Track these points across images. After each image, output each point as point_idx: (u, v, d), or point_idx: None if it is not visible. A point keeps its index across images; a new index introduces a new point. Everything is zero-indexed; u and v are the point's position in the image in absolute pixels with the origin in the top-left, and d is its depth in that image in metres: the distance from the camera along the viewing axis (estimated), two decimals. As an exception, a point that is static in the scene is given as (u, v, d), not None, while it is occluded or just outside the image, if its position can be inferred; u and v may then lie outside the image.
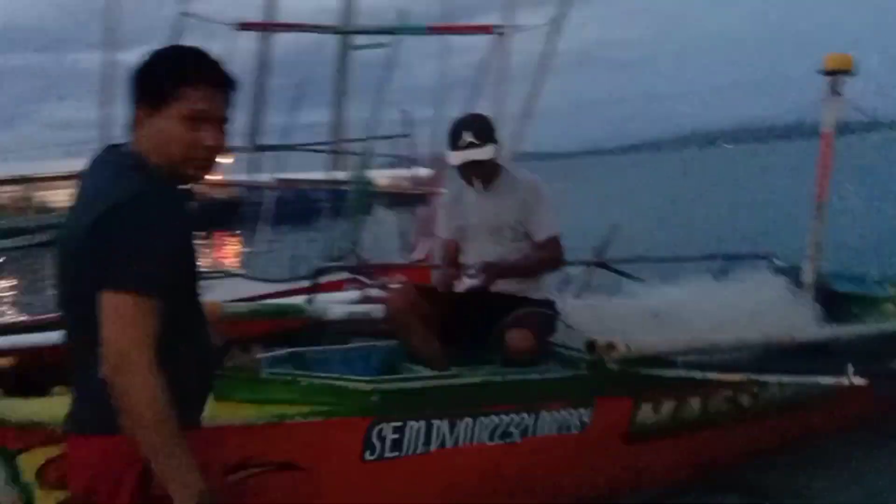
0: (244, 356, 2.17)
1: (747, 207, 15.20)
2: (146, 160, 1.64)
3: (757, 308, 3.22)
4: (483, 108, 8.44)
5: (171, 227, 1.57)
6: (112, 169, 1.64)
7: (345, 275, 7.23)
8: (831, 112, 4.08)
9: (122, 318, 1.46)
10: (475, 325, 2.93)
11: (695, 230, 10.87)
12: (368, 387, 2.27)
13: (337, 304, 4.48)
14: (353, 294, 5.59)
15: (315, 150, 9.71)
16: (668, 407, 2.90)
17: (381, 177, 9.32)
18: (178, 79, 1.64)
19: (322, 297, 5.63)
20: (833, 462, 3.60)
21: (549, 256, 3.13)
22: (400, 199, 9.32)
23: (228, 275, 7.09)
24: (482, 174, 3.04)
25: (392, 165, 10.53)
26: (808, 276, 4.06)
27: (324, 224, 9.47)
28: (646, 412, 2.86)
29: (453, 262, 3.20)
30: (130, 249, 1.49)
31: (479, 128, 3.01)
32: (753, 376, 2.83)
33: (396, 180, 9.87)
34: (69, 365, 1.63)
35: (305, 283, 7.07)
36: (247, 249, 9.11)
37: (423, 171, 9.99)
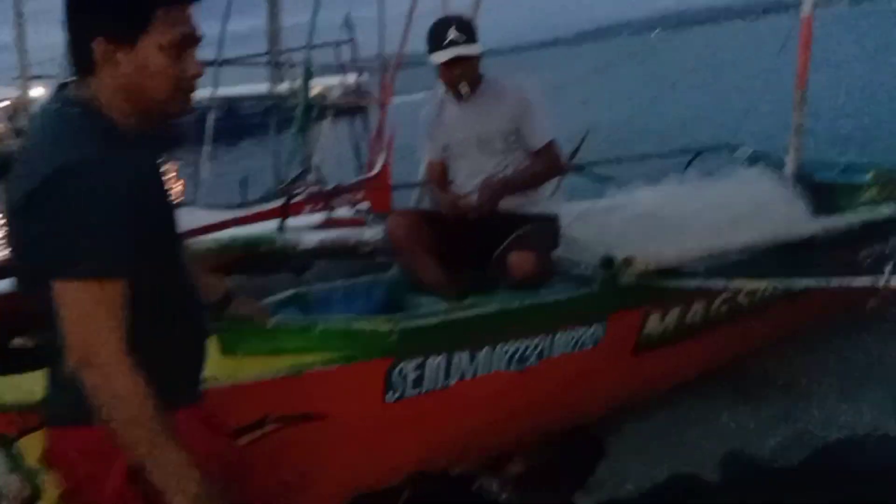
0: (249, 303, 1.99)
1: (694, 95, 15.23)
2: (102, 110, 1.37)
3: (752, 205, 3.15)
4: (423, 3, 8.05)
5: (131, 191, 1.31)
6: (56, 121, 1.37)
7: (301, 196, 7.02)
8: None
9: (81, 310, 1.24)
10: (476, 248, 2.79)
11: (650, 123, 10.78)
12: (387, 327, 2.12)
13: (306, 230, 4.28)
14: (316, 217, 5.39)
15: (252, 64, 9.16)
16: (673, 314, 2.85)
17: (326, 87, 8.88)
18: (152, 0, 1.37)
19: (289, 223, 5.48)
20: (818, 347, 3.69)
21: (549, 164, 2.97)
22: (348, 111, 8.95)
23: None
24: (470, 76, 2.82)
25: (336, 73, 10.03)
26: (790, 167, 4.01)
27: (269, 142, 9.04)
28: (653, 322, 2.81)
29: (442, 182, 3.02)
30: (82, 227, 1.25)
31: (463, 24, 2.79)
32: (778, 282, 2.77)
33: (342, 90, 9.44)
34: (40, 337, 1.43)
35: (260, 207, 6.87)
36: (190, 175, 8.64)
37: (368, 79, 9.58)
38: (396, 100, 8.37)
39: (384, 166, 7.83)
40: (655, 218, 3.05)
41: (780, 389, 3.44)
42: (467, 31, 2.78)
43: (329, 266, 5.54)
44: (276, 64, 8.67)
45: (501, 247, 2.67)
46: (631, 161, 5.85)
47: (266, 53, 8.68)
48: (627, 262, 2.51)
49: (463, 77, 2.82)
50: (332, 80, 10.44)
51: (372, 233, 4.32)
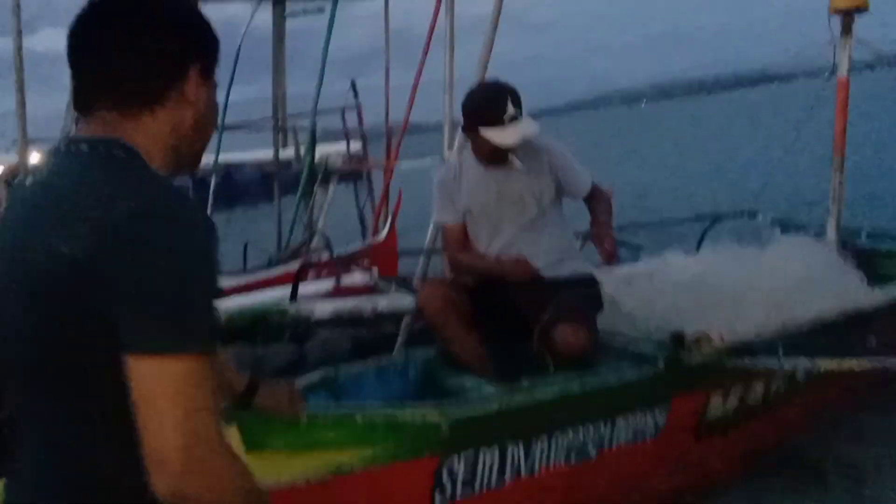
0: (281, 390, 1.71)
1: (696, 163, 15.31)
2: (141, 154, 1.08)
3: (807, 275, 2.93)
4: (426, 73, 8.02)
5: (216, 247, 1.07)
6: (98, 162, 1.06)
7: (308, 262, 6.79)
8: (846, 54, 3.81)
9: (188, 395, 0.95)
10: (515, 318, 2.54)
11: (658, 190, 10.71)
12: (437, 416, 1.85)
13: (319, 299, 4.03)
14: (325, 284, 5.14)
15: (255, 129, 9.05)
16: (734, 395, 2.60)
17: (325, 154, 8.76)
18: (209, 32, 1.17)
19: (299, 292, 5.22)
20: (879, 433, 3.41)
21: (608, 203, 2.84)
22: (351, 176, 8.80)
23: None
24: (513, 150, 2.64)
25: (341, 139, 9.94)
26: (831, 234, 3.81)
27: (272, 208, 8.84)
28: (715, 404, 2.55)
29: (464, 247, 2.80)
30: (179, 285, 0.97)
31: (516, 96, 2.60)
32: (869, 362, 2.52)
33: (342, 156, 9.31)
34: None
35: (264, 274, 6.64)
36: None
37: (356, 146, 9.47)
38: (401, 165, 8.25)
39: (391, 231, 7.63)
40: (706, 287, 2.81)
41: (842, 471, 3.15)
42: (520, 103, 2.59)
43: (345, 337, 5.30)
44: (280, 129, 8.53)
45: (546, 318, 2.41)
46: (650, 227, 5.69)
47: (269, 118, 8.56)
48: (701, 338, 2.26)
49: (512, 151, 2.64)
50: (333, 147, 10.35)
51: (387, 301, 4.08)
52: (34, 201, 1.05)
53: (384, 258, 7.48)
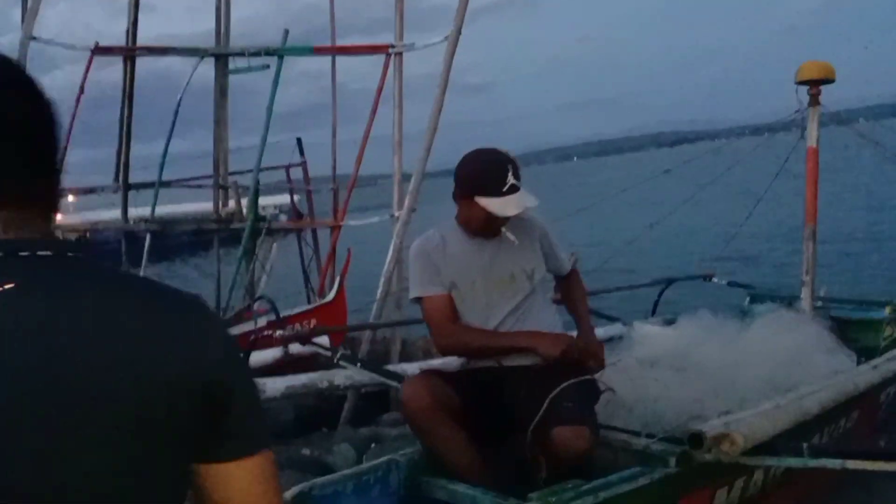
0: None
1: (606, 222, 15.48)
2: None
3: (798, 356, 2.80)
4: (374, 130, 7.87)
5: None
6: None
7: (249, 325, 6.40)
8: (814, 124, 3.80)
9: (274, 484, 0.99)
10: (503, 413, 2.30)
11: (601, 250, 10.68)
12: None
13: (271, 378, 3.70)
14: (270, 353, 4.79)
15: (195, 186, 8.67)
16: (737, 489, 2.40)
17: (273, 207, 8.46)
18: None
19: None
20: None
21: (584, 293, 2.72)
22: (298, 234, 8.49)
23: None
24: (504, 221, 2.43)
25: (283, 194, 9.64)
26: (805, 305, 3.73)
27: (210, 265, 8.41)
28: (720, 499, 2.35)
29: (452, 319, 2.51)
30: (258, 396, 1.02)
31: (517, 168, 2.41)
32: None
33: (293, 212, 9.00)
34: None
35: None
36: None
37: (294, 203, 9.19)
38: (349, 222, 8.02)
39: (340, 291, 7.32)
40: (696, 368, 2.64)
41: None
42: (519, 174, 2.41)
43: (287, 408, 4.93)
44: (220, 185, 8.18)
45: (542, 416, 2.17)
46: (607, 292, 5.57)
47: (210, 176, 8.19)
48: (721, 438, 2.05)
49: (507, 221, 2.44)
50: (275, 200, 9.98)
51: (343, 377, 3.79)
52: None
53: (332, 319, 7.17)
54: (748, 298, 4.59)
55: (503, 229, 2.43)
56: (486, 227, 2.44)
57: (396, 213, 6.65)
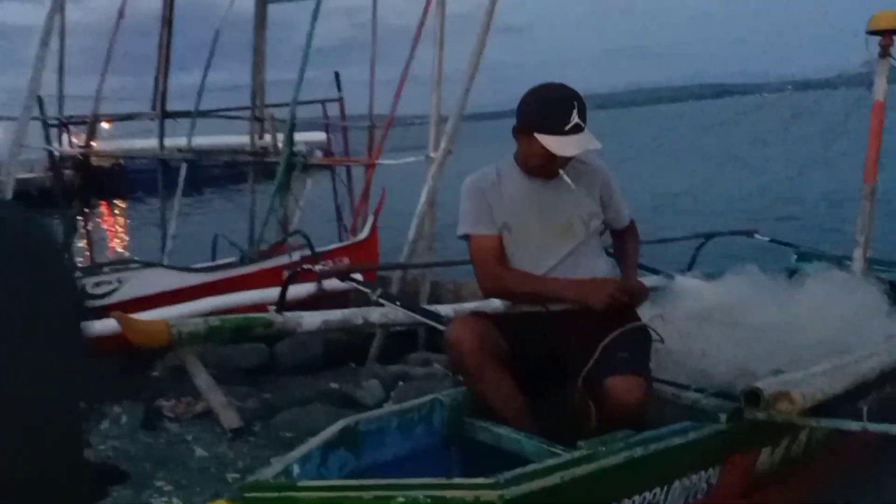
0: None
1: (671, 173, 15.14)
2: None
3: (857, 319, 2.70)
4: (412, 70, 7.71)
5: None
6: None
7: (284, 259, 6.41)
8: (882, 77, 3.60)
9: None
10: (552, 359, 2.24)
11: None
12: (494, 496, 1.52)
13: (308, 313, 3.69)
14: (306, 287, 4.79)
15: (232, 117, 8.61)
16: (781, 447, 2.34)
17: (309, 144, 8.37)
18: None
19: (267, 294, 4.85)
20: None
21: (637, 247, 2.57)
22: (333, 171, 8.42)
23: (143, 265, 6.06)
24: (565, 162, 2.33)
25: (318, 130, 9.53)
26: (858, 266, 3.60)
27: (244, 199, 8.40)
28: (764, 458, 2.30)
29: (500, 262, 2.40)
30: None
31: (583, 106, 2.26)
32: None
33: (328, 148, 8.92)
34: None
35: (241, 271, 6.25)
36: (159, 231, 7.93)
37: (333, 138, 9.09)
38: (385, 161, 7.93)
39: (373, 231, 7.29)
40: (750, 329, 2.55)
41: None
42: (585, 113, 2.26)
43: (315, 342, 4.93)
44: (257, 118, 8.11)
45: (595, 365, 2.10)
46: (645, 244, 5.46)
47: (248, 108, 8.13)
48: (779, 397, 1.98)
49: (567, 163, 2.32)
50: (309, 136, 9.91)
51: (379, 315, 3.77)
52: None
53: (365, 257, 7.17)
54: (795, 257, 4.46)
55: (562, 171, 2.33)
56: (544, 167, 2.33)
57: (432, 154, 6.53)
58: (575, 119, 2.21)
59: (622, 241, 2.57)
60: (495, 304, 2.85)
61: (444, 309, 4.18)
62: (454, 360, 2.24)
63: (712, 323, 2.56)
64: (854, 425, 2.00)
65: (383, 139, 7.85)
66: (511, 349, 2.22)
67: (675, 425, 2.00)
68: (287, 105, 7.47)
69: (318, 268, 4.07)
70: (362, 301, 4.33)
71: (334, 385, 4.61)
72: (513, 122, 2.36)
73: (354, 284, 3.52)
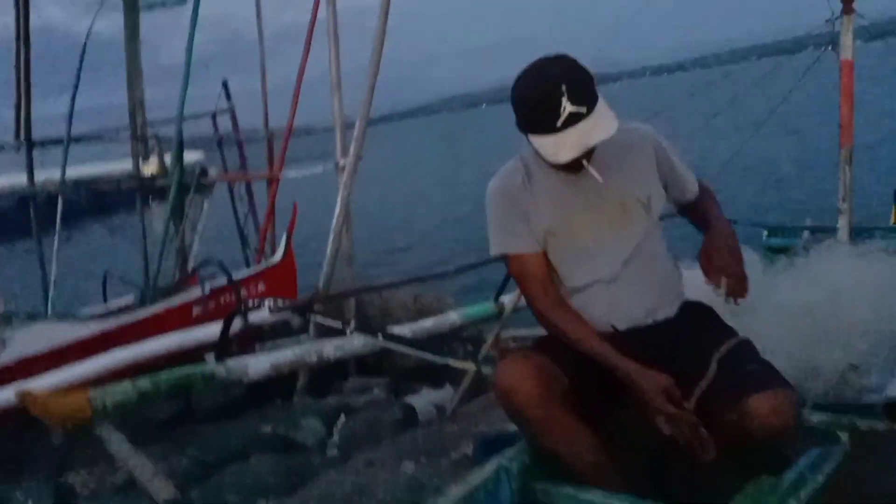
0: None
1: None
2: None
3: (888, 288, 2.45)
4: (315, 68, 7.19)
5: None
6: None
7: (193, 293, 5.70)
8: (849, 34, 3.42)
9: None
10: (621, 387, 1.81)
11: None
12: None
13: (253, 357, 3.13)
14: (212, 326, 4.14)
15: (110, 140, 7.72)
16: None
17: (202, 162, 7.63)
18: None
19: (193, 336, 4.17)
20: None
21: (713, 198, 2.05)
22: (231, 188, 7.73)
23: (26, 318, 5.21)
24: (591, 150, 1.81)
25: (211, 149, 8.74)
26: (843, 234, 3.41)
27: (136, 230, 7.53)
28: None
29: (547, 282, 1.94)
30: None
31: (577, 85, 1.73)
32: None
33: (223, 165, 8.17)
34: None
35: (141, 313, 5.48)
36: (37, 277, 6.91)
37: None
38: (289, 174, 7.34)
39: (288, 251, 6.66)
40: (794, 314, 2.23)
41: None
42: (581, 93, 1.74)
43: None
44: (139, 138, 7.29)
45: (708, 380, 1.66)
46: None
47: (127, 129, 7.29)
48: None
49: (588, 154, 1.82)
50: (196, 155, 9.14)
51: (334, 346, 3.25)
52: None
53: (281, 281, 6.54)
54: (765, 233, 4.26)
55: (586, 163, 1.81)
56: (562, 167, 1.86)
57: (341, 162, 6.01)
58: (568, 108, 1.71)
59: (694, 206, 2.07)
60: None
61: (403, 330, 3.71)
62: (512, 413, 1.76)
63: (766, 314, 2.21)
64: None
65: (284, 150, 7.24)
66: (576, 384, 1.77)
67: (806, 457, 1.61)
68: (171, 122, 6.78)
69: (268, 302, 3.47)
70: (282, 329, 3.79)
71: (266, 428, 4.00)
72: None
73: (317, 318, 2.99)
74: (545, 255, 1.95)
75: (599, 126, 1.74)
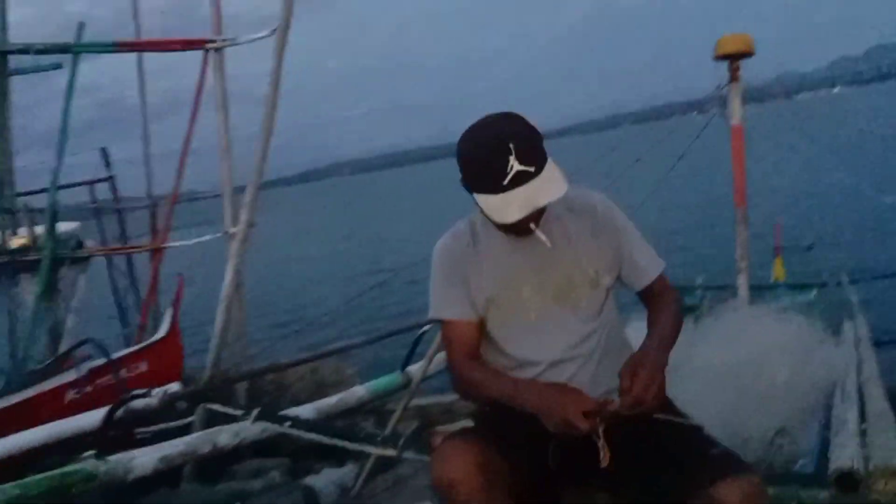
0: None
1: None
2: None
3: (799, 350, 2.48)
4: (199, 134, 6.98)
5: None
6: None
7: (62, 378, 5.19)
8: (736, 101, 3.58)
9: None
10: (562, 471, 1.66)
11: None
12: None
13: (138, 452, 2.81)
14: (98, 414, 3.74)
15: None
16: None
17: (77, 234, 7.14)
18: None
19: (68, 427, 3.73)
20: None
21: (676, 308, 1.84)
22: (110, 261, 7.24)
23: None
24: (540, 214, 1.70)
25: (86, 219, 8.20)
26: (742, 292, 3.49)
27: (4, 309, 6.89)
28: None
29: (475, 356, 1.80)
30: None
31: (526, 144, 1.62)
32: None
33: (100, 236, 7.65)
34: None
35: (8, 400, 4.92)
36: None
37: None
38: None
39: (173, 326, 6.23)
40: (725, 376, 2.20)
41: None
42: (532, 153, 1.62)
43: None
44: (7, 210, 6.72)
45: (689, 473, 1.51)
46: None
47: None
48: (881, 474, 1.57)
49: (536, 217, 1.70)
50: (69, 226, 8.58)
51: (231, 433, 2.97)
52: None
53: (166, 359, 6.09)
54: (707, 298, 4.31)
55: (533, 226, 1.69)
56: (510, 230, 1.74)
57: (231, 230, 5.73)
58: (515, 167, 1.60)
59: (650, 306, 1.89)
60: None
61: (307, 410, 3.48)
62: (446, 496, 1.57)
63: (684, 378, 2.16)
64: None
65: (168, 218, 6.89)
66: (514, 469, 1.61)
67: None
68: (45, 191, 6.32)
69: (158, 393, 3.14)
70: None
71: (152, 527, 3.59)
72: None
73: (212, 408, 2.72)
74: (480, 325, 1.81)
75: (548, 187, 1.64)
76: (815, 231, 9.65)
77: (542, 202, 1.63)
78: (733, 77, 3.55)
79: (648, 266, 1.87)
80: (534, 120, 1.69)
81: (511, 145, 1.61)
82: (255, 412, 2.49)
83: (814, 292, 3.95)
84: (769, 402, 2.12)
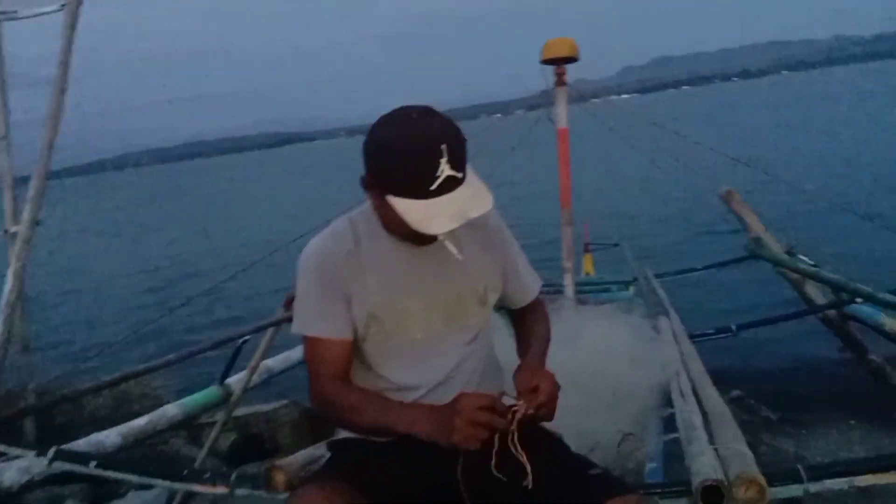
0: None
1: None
2: None
3: (630, 349, 2.54)
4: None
5: None
6: None
7: None
8: (563, 105, 3.67)
9: None
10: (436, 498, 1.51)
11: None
12: None
13: None
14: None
15: None
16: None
17: None
18: None
19: None
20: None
21: (547, 326, 1.80)
22: None
23: None
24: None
25: None
26: (569, 291, 3.59)
27: None
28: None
29: (344, 376, 1.61)
30: None
31: (456, 142, 1.45)
32: None
33: None
34: None
35: None
36: None
37: None
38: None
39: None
40: (570, 382, 2.18)
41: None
42: (462, 156, 1.46)
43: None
44: None
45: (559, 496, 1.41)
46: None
47: None
48: (746, 482, 1.55)
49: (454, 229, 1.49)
50: None
51: (18, 469, 2.55)
52: None
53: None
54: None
55: (441, 236, 1.51)
56: (413, 238, 1.56)
57: (12, 229, 5.06)
58: (445, 171, 1.43)
59: (525, 322, 1.82)
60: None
61: (110, 437, 3.09)
62: None
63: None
64: (796, 490, 1.72)
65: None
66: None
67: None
68: None
69: None
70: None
71: None
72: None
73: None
74: (352, 344, 1.63)
75: (477, 197, 1.48)
76: (619, 230, 10.38)
77: (472, 214, 1.46)
78: (559, 82, 3.62)
79: (532, 283, 1.82)
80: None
81: (443, 147, 1.43)
82: (51, 452, 2.10)
83: (631, 289, 4.16)
84: (614, 404, 2.14)
